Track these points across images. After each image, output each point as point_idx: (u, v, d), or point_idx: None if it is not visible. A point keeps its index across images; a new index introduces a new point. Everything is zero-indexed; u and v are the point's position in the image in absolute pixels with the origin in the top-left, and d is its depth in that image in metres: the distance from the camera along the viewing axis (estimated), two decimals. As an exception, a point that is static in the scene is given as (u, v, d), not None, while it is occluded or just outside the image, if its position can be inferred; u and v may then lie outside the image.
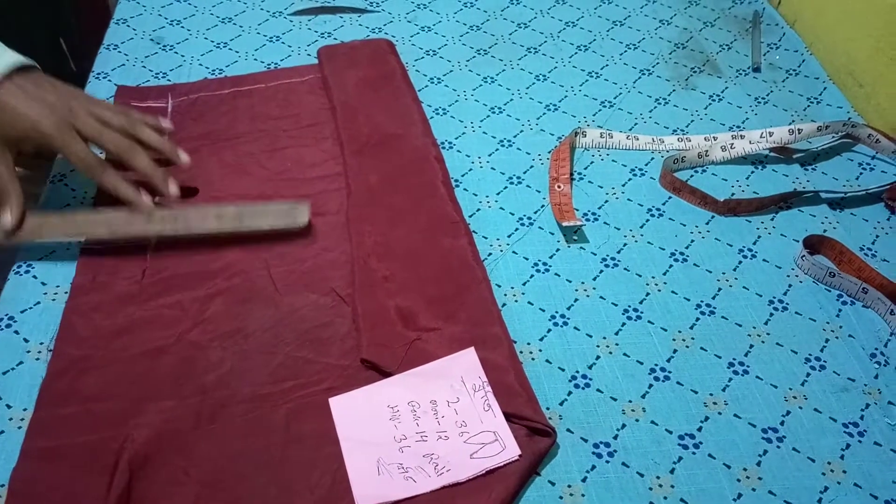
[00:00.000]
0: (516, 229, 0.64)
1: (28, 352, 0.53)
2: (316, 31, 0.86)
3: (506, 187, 0.68)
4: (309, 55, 0.82)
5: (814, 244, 0.62)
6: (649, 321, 0.57)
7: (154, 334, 0.54)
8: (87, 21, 1.52)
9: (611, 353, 0.55)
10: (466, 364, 0.52)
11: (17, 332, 0.54)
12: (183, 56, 0.81)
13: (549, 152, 0.71)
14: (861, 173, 0.70)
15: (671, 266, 0.61)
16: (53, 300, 0.56)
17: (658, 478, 0.47)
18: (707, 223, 0.65)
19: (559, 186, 0.67)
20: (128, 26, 0.85)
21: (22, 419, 0.49)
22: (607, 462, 0.48)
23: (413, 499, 0.45)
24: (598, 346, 0.55)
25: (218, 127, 0.71)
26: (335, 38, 0.85)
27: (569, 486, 0.47)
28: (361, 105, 0.73)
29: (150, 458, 0.47)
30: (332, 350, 0.54)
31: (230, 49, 0.83)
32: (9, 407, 0.50)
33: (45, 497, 0.45)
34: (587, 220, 0.65)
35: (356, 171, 0.66)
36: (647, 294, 0.59)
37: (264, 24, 0.87)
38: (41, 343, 0.53)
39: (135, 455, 0.47)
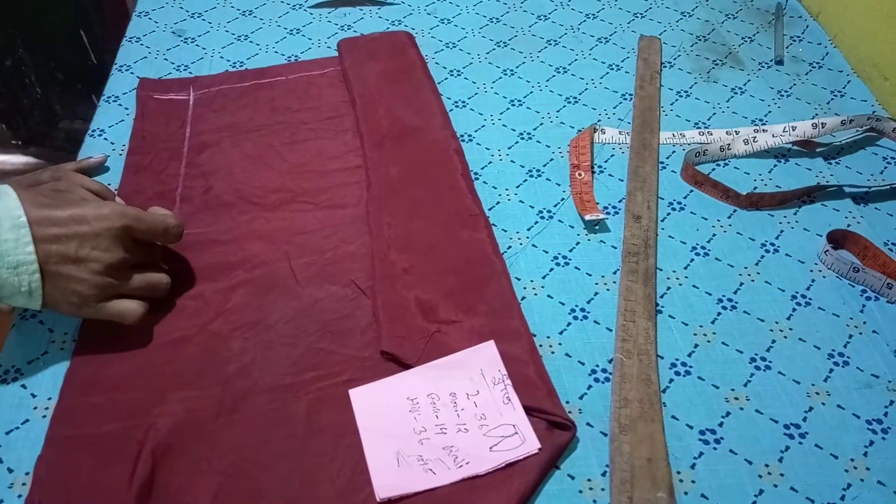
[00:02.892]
0: (536, 222, 0.64)
1: (52, 342, 0.53)
2: (336, 24, 0.86)
3: (525, 180, 0.67)
4: (329, 48, 0.82)
5: (837, 239, 0.61)
6: (670, 315, 0.56)
7: (177, 324, 0.54)
8: (107, 15, 1.53)
9: (631, 347, 0.54)
10: (486, 357, 0.52)
11: (41, 323, 0.55)
12: (204, 49, 0.82)
13: (569, 143, 0.71)
14: (886, 167, 0.69)
15: (692, 260, 0.60)
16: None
17: (679, 473, 0.47)
18: (729, 217, 0.64)
19: (580, 174, 0.67)
20: (150, 19, 0.86)
21: (47, 408, 0.49)
22: (627, 456, 0.48)
23: (432, 491, 0.45)
24: (618, 340, 0.55)
25: (239, 119, 0.72)
26: (355, 31, 0.85)
27: (588, 480, 0.47)
28: (381, 98, 0.73)
29: (172, 448, 0.47)
30: (352, 341, 0.54)
31: (251, 42, 0.83)
32: (34, 396, 0.50)
33: (68, 485, 0.46)
34: (608, 213, 0.64)
35: (376, 163, 0.66)
36: (669, 288, 0.58)
37: (284, 16, 0.87)
38: (66, 333, 0.54)
39: (158, 444, 0.47)
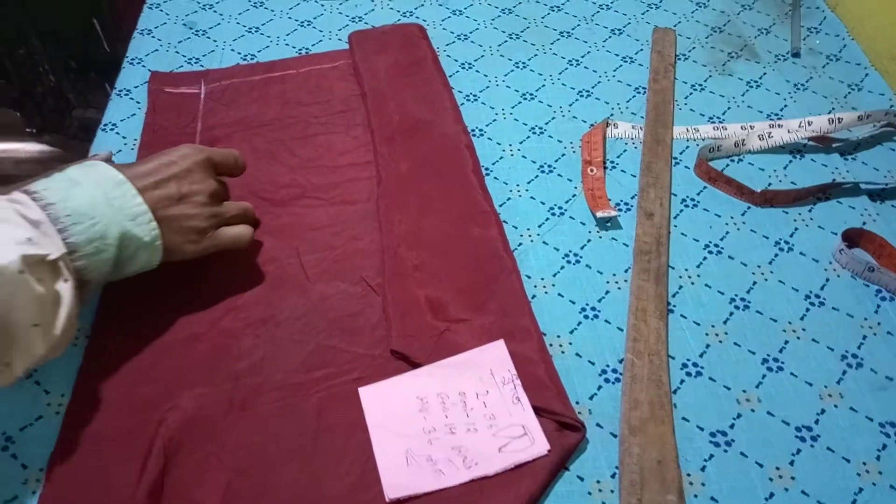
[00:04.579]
0: (547, 219, 0.63)
1: (65, 337, 0.54)
2: (347, 16, 0.85)
3: (537, 176, 0.67)
4: (340, 40, 0.82)
5: (852, 237, 0.60)
6: (682, 315, 0.56)
7: (188, 321, 0.55)
8: (119, 3, 1.53)
9: (642, 346, 0.54)
10: (495, 356, 0.52)
11: (54, 318, 0.55)
12: (215, 41, 0.81)
13: (581, 138, 0.70)
14: (903, 164, 0.68)
15: (705, 258, 0.60)
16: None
17: (689, 475, 0.47)
18: (743, 214, 0.63)
19: (592, 170, 0.66)
20: (161, 11, 0.85)
21: (60, 404, 0.50)
22: (637, 458, 0.48)
23: (442, 491, 0.45)
24: (629, 340, 0.54)
25: (250, 113, 0.72)
26: (366, 23, 0.84)
27: (598, 482, 0.47)
28: (392, 91, 0.73)
29: (182, 444, 0.48)
30: (362, 339, 0.54)
31: (262, 34, 0.82)
32: (47, 392, 0.51)
33: (82, 481, 0.46)
34: (620, 209, 0.64)
35: (386, 158, 0.66)
36: (681, 287, 0.58)
37: (295, 7, 0.86)
38: (79, 330, 0.54)
39: (168, 441, 0.48)
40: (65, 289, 0.44)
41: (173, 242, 0.51)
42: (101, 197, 0.47)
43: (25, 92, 1.61)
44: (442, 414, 0.49)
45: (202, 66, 0.78)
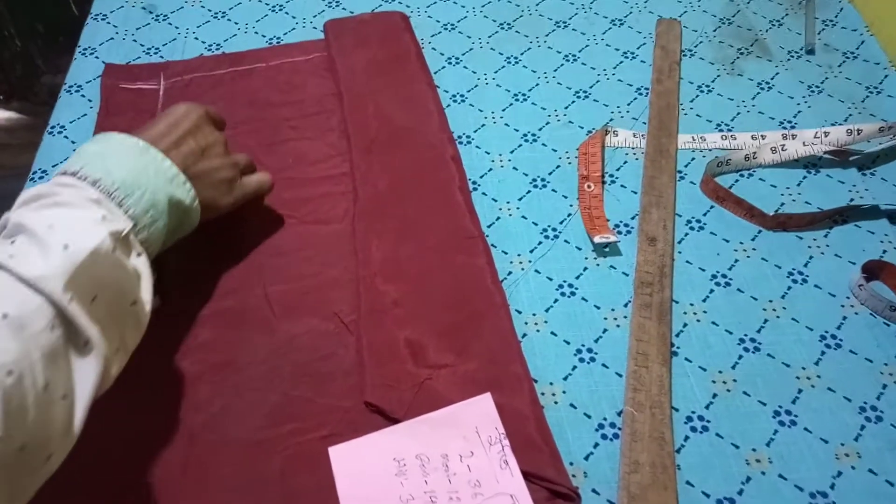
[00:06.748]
0: (540, 243, 0.57)
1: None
2: (322, 0, 0.78)
3: (529, 191, 0.61)
4: (315, 28, 0.74)
5: (872, 269, 0.55)
6: (687, 359, 0.51)
7: (136, 365, 0.49)
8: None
9: (642, 396, 0.49)
10: (482, 412, 0.47)
11: None
12: (177, 28, 0.74)
13: (578, 149, 0.64)
14: (925, 179, 0.63)
15: (712, 291, 0.55)
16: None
17: (693, 554, 0.42)
18: (753, 239, 0.58)
19: (589, 186, 0.61)
20: (117, -8, 0.78)
21: None
22: (636, 531, 0.43)
23: (420, 573, 0.41)
24: (628, 388, 0.49)
25: (213, 114, 0.65)
26: (344, 8, 0.77)
27: (593, 561, 0.42)
28: (370, 92, 0.66)
29: (131, 514, 0.43)
30: (333, 388, 0.48)
31: (229, 20, 0.75)
32: None
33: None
34: (619, 232, 0.58)
35: (364, 173, 0.60)
36: (685, 325, 0.53)
37: (266, -11, 0.79)
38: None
39: (115, 510, 0.43)
40: (141, 263, 0.42)
41: (209, 198, 0.50)
42: (137, 165, 0.44)
43: (-10, 57, 1.53)
44: (421, 479, 0.44)
45: (162, 56, 0.71)
